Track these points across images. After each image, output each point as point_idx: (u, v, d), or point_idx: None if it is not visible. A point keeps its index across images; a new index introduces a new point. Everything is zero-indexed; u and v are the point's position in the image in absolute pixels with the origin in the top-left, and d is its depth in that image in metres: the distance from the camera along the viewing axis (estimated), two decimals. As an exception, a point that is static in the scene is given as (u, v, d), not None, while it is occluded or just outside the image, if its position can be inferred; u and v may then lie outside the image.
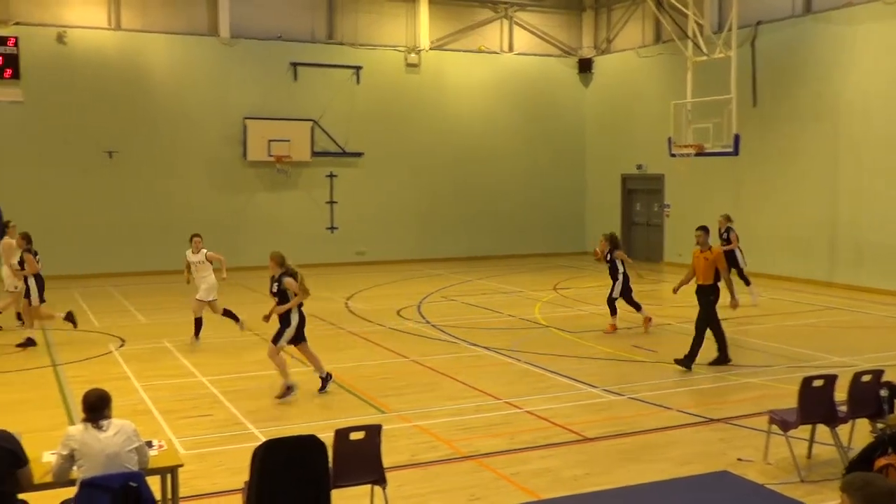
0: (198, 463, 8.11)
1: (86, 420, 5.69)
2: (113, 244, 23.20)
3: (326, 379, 10.96)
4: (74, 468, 5.62)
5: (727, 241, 17.42)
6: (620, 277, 14.78)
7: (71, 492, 5.60)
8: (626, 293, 14.85)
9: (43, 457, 5.85)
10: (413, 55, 26.37)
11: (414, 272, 23.76)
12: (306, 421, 9.50)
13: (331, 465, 6.13)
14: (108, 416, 5.73)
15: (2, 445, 5.41)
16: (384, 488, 6.54)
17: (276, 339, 10.68)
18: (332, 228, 25.74)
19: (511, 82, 27.69)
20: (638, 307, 14.92)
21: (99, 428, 5.64)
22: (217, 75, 24.20)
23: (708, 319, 11.98)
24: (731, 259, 16.53)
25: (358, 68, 25.68)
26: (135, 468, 5.65)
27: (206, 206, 24.02)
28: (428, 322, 16.05)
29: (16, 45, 21.97)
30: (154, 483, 5.87)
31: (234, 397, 10.63)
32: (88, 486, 5.44)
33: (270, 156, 24.34)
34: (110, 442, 5.60)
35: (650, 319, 14.97)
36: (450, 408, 10.26)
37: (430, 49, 26.61)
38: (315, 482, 5.99)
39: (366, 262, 25.40)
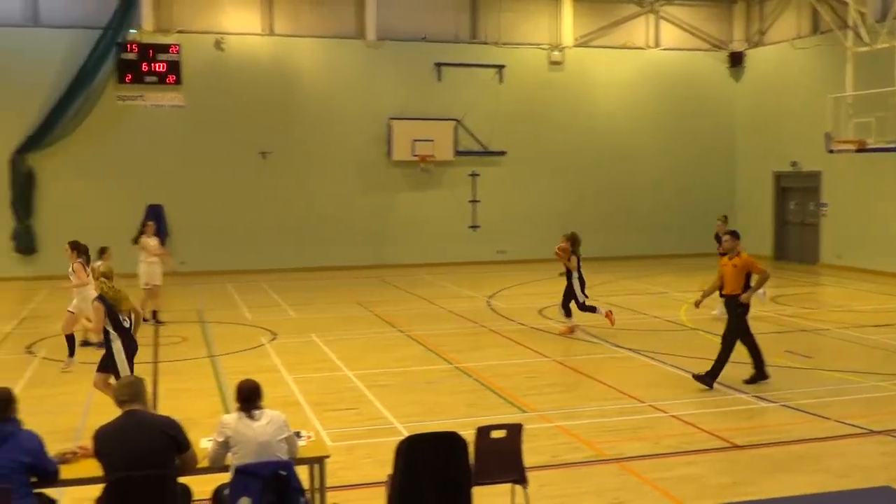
0: (345, 454, 8.31)
1: (240, 409, 5.93)
2: (265, 241, 24.16)
3: None
4: (229, 454, 5.87)
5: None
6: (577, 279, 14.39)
7: (225, 477, 5.86)
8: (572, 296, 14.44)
9: (200, 443, 6.14)
10: (556, 53, 26.18)
11: (555, 271, 23.54)
12: (449, 418, 9.58)
13: (472, 462, 6.16)
14: (260, 407, 5.95)
15: (165, 432, 5.70)
16: (525, 488, 6.50)
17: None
18: (474, 227, 25.90)
19: (656, 78, 27.06)
20: (569, 313, 14.55)
21: (252, 417, 5.87)
22: (363, 77, 24.79)
23: (738, 332, 10.89)
24: None
25: (501, 67, 25.72)
26: (285, 457, 5.85)
27: (353, 204, 24.67)
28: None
29: (178, 52, 23.23)
30: (302, 472, 6.06)
31: (379, 392, 10.84)
32: (242, 472, 5.67)
33: (414, 155, 24.73)
34: (262, 431, 5.82)
35: (573, 329, 14.53)
36: (592, 409, 10.12)
37: (574, 46, 26.35)
38: (456, 479, 6.02)
39: (507, 260, 25.41)
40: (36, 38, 22.49)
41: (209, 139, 23.73)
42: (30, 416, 5.92)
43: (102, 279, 9.16)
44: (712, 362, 10.83)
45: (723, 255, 11.31)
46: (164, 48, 23.17)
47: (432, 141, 24.84)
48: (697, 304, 11.74)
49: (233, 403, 6.08)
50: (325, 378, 11.74)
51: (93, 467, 5.77)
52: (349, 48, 24.71)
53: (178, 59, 23.24)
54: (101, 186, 22.86)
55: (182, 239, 23.32)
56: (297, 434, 6.28)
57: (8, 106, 22.18)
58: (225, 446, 5.86)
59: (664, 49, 27.22)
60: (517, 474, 6.47)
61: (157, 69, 23.14)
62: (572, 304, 14.55)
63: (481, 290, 20.00)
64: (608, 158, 26.67)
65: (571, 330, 14.59)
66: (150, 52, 23.04)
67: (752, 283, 10.80)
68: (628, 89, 26.93)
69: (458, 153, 25.41)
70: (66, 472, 5.83)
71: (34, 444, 5.58)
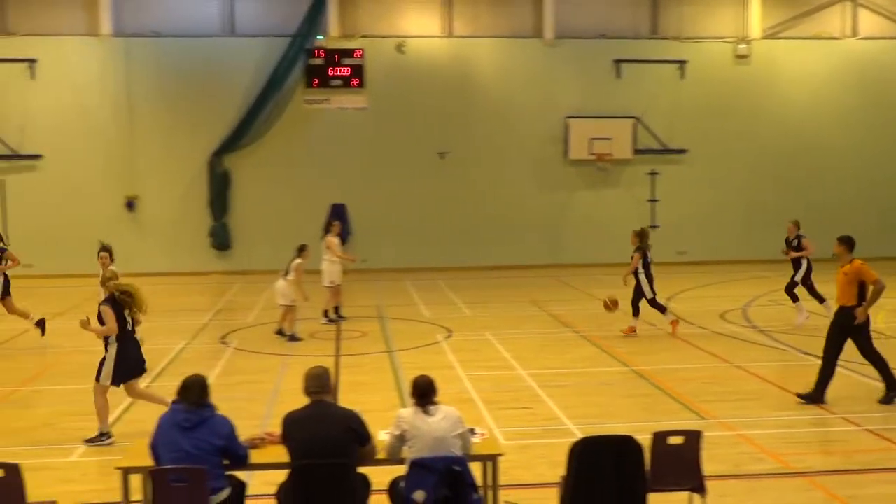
0: (518, 453, 8.31)
1: (416, 404, 6.05)
2: (442, 239, 24.59)
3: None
4: (405, 448, 6.00)
5: (797, 248, 15.32)
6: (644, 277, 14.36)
7: (401, 469, 6.00)
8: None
9: (378, 435, 6.31)
10: (743, 46, 25.12)
11: (738, 273, 22.64)
12: (625, 421, 9.38)
13: (647, 467, 6.00)
14: (435, 402, 6.05)
15: (348, 424, 5.90)
16: (704, 497, 6.27)
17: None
18: (653, 227, 25.20)
19: (852, 70, 25.42)
20: (637, 312, 14.51)
21: (427, 412, 5.97)
22: (540, 76, 24.74)
23: (862, 349, 10.01)
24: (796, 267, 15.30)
25: (683, 63, 24.97)
26: (458, 453, 5.92)
27: (529, 203, 24.69)
28: (755, 327, 15.22)
29: (361, 56, 24.06)
30: (475, 469, 6.10)
31: (554, 392, 10.78)
32: (417, 465, 5.79)
33: (592, 154, 24.44)
34: (437, 426, 5.91)
35: (634, 329, 14.43)
36: (778, 419, 9.63)
37: (762, 38, 25.19)
38: (631, 484, 5.89)
39: (687, 261, 24.62)
40: (232, 47, 23.94)
41: (390, 140, 24.43)
42: (223, 402, 6.28)
43: (112, 282, 9.13)
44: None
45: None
46: (349, 53, 24.06)
47: (610, 139, 24.46)
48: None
49: (409, 398, 6.22)
50: (499, 376, 11.79)
51: (279, 453, 6.06)
52: (527, 47, 24.73)
53: (361, 63, 24.06)
54: (289, 186, 24.04)
55: (363, 237, 24.12)
56: (472, 431, 6.34)
57: (207, 111, 23.74)
58: (401, 439, 6.00)
59: (863, 38, 25.53)
60: (695, 483, 6.25)
61: (341, 73, 24.07)
62: (642, 302, 14.49)
63: (660, 291, 19.43)
64: (795, 155, 25.31)
65: (633, 329, 14.42)
66: (335, 57, 24.01)
67: (868, 295, 9.77)
68: (820, 82, 25.45)
69: (637, 151, 24.88)
70: (254, 456, 6.16)
71: (227, 429, 5.92)
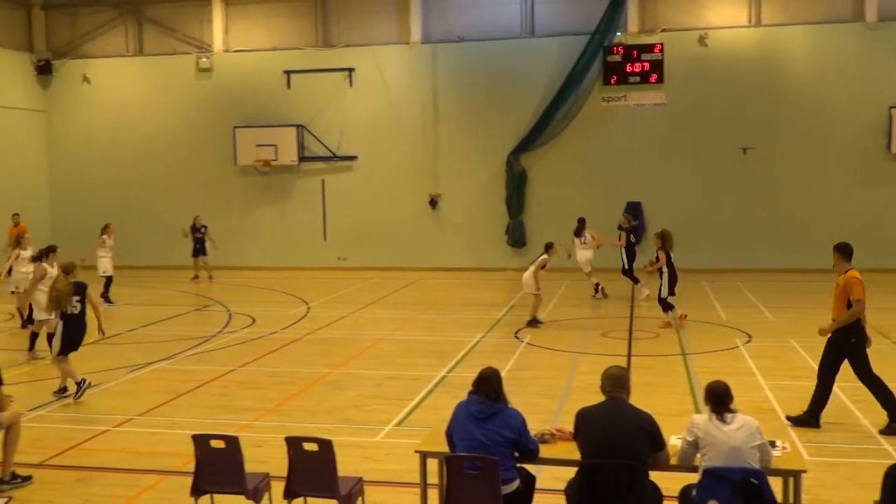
0: (823, 471, 7.72)
1: (711, 411, 5.80)
2: (743, 239, 23.40)
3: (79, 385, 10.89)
4: (697, 455, 5.78)
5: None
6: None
7: (693, 477, 5.78)
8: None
9: (670, 440, 6.13)
10: None
11: None
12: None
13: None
14: (732, 410, 5.77)
15: (643, 427, 5.77)
16: None
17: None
18: None
19: None
20: (666, 307, 15.31)
21: (723, 420, 5.71)
22: (860, 63, 22.72)
23: (858, 372, 9.16)
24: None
25: None
26: (756, 465, 5.60)
27: (844, 201, 22.80)
28: None
29: (661, 51, 23.52)
30: (775, 484, 5.74)
31: (867, 408, 9.82)
32: (711, 475, 5.55)
33: (919, 147, 22.07)
34: (733, 435, 5.63)
35: (670, 324, 15.12)
36: None
37: None
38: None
39: None
40: (531, 47, 24.42)
41: (688, 136, 23.67)
42: (515, 396, 6.41)
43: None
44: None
45: None
46: (648, 48, 23.61)
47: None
48: (824, 333, 9.57)
49: (703, 403, 5.97)
50: (803, 387, 10.94)
51: (568, 450, 6.08)
52: (845, 32, 22.82)
53: (660, 57, 23.53)
54: (583, 184, 24.08)
55: (659, 236, 23.64)
56: (772, 443, 5.97)
57: (506, 112, 24.42)
58: (694, 446, 5.78)
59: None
60: None
61: (640, 69, 23.70)
62: (669, 298, 15.26)
63: None
64: None
65: (669, 324, 15.07)
66: (633, 52, 23.67)
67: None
68: None
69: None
70: (544, 451, 6.24)
71: (518, 422, 6.04)
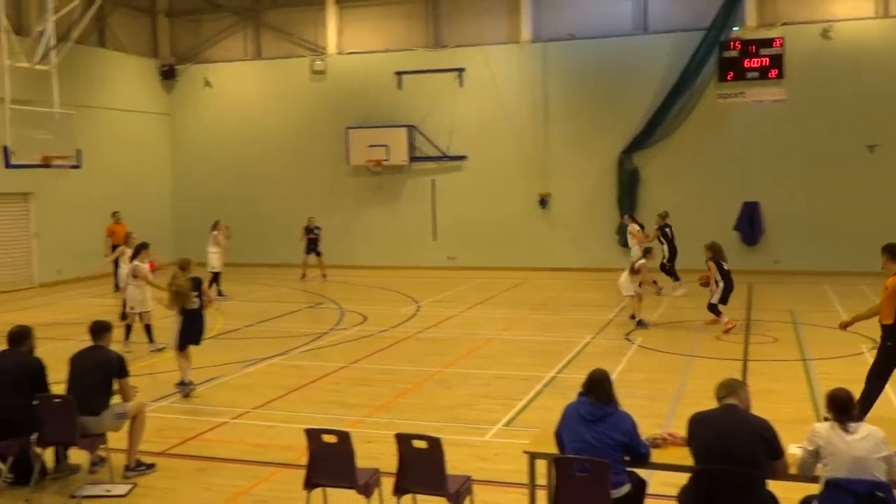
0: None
1: (833, 419, 5.57)
2: (867, 241, 22.26)
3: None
4: (819, 465, 5.56)
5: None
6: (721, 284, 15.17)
7: (813, 488, 5.56)
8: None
9: (789, 448, 5.91)
10: None
11: None
12: None
13: None
14: (856, 419, 5.52)
15: (760, 434, 5.55)
16: None
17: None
18: None
19: None
20: (718, 313, 15.25)
21: (846, 429, 5.47)
22: None
23: (875, 370, 9.05)
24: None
25: None
26: (882, 477, 5.34)
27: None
28: None
29: (781, 45, 22.72)
30: (904, 498, 5.46)
31: None
32: (833, 486, 5.32)
33: None
34: (857, 446, 5.39)
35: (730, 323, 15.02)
36: None
37: None
38: None
39: None
40: (644, 44, 23.99)
41: (809, 133, 22.78)
42: (625, 399, 6.30)
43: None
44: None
45: None
46: (767, 42, 22.86)
47: None
48: (844, 326, 9.92)
49: (825, 412, 5.74)
50: (934, 397, 10.44)
51: (681, 455, 5.94)
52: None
53: (780, 52, 22.73)
54: (698, 184, 23.50)
55: (777, 237, 22.89)
56: (902, 454, 5.68)
57: (617, 110, 24.07)
58: (815, 456, 5.56)
59: None
60: None
61: (758, 64, 22.96)
62: (719, 306, 15.24)
63: None
64: None
65: (730, 324, 14.94)
66: (751, 47, 22.95)
67: None
68: None
69: None
70: (656, 455, 6.10)
71: (628, 425, 5.93)
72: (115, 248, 21.41)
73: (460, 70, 25.53)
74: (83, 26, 19.40)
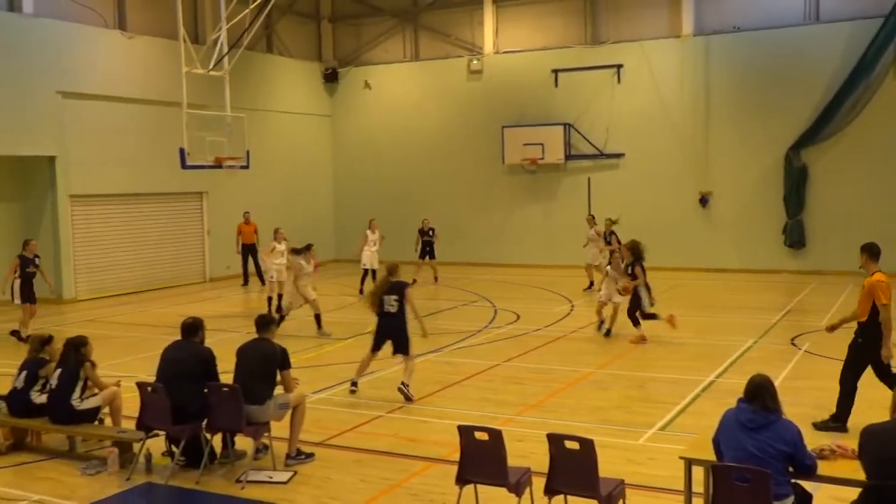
0: None
1: None
2: None
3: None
4: None
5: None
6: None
7: None
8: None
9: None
10: None
11: None
12: None
13: None
14: None
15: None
16: None
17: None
18: None
19: None
20: (636, 322, 14.26)
21: None
22: None
23: (847, 367, 8.99)
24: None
25: None
26: None
27: None
28: None
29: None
30: None
31: None
32: None
33: None
34: None
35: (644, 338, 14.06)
36: None
37: None
38: None
39: None
40: (815, 34, 22.80)
41: None
42: (789, 407, 6.02)
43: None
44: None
45: None
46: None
47: None
48: (830, 329, 9.47)
49: None
50: None
51: (851, 469, 5.61)
52: None
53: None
54: (874, 182, 22.13)
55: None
56: None
57: (785, 104, 22.99)
58: None
59: None
60: None
61: (942, 53, 21.35)
62: (637, 313, 14.24)
63: None
64: None
65: (645, 338, 14.08)
66: (935, 35, 21.37)
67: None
68: None
69: None
70: (823, 468, 5.79)
71: (793, 435, 5.64)
72: (244, 246, 22.88)
73: (618, 66, 25.08)
74: (253, 33, 20.31)
